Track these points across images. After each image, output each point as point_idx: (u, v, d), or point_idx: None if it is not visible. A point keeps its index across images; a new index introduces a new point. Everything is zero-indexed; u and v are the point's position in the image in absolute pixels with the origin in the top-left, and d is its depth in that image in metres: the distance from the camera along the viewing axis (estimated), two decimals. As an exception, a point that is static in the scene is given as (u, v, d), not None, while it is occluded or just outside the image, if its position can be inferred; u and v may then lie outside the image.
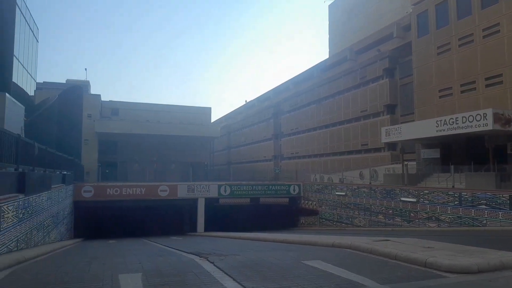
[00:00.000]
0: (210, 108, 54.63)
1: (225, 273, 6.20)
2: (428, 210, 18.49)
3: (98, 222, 26.84)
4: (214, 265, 7.05)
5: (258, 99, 61.31)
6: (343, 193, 25.04)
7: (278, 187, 30.07)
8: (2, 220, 8.78)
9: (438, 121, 20.97)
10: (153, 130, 43.80)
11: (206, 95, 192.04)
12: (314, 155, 41.80)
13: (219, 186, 28.42)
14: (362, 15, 47.31)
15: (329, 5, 55.94)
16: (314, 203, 28.36)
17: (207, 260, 7.80)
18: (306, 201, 29.44)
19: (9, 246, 9.38)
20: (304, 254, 8.32)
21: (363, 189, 23.54)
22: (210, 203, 27.90)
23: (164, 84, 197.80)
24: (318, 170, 37.27)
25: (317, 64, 44.65)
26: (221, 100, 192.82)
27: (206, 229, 26.70)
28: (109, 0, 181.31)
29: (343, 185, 25.97)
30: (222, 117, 74.28)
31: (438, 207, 17.91)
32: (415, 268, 6.12)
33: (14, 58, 20.04)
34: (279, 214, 30.34)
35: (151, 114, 48.14)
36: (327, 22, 56.10)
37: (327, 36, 55.69)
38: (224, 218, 28.06)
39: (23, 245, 10.72)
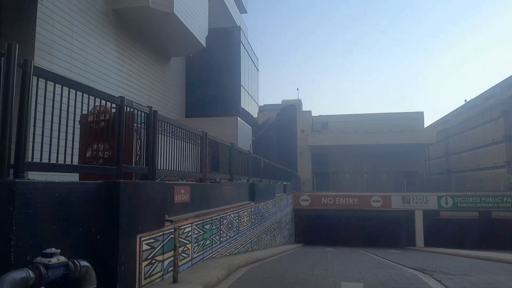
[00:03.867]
0: (422, 113, 50.55)
1: (456, 294, 5.54)
2: None
3: (315, 229, 28.41)
4: (441, 283, 6.40)
5: (481, 96, 53.13)
6: None
7: (516, 199, 24.98)
8: (240, 223, 10.37)
9: None
10: (362, 140, 43.77)
11: (417, 99, 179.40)
12: None
13: (439, 198, 25.77)
14: None
15: None
16: None
17: (433, 277, 7.15)
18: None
19: (245, 246, 10.97)
20: None
21: None
22: (429, 216, 25.56)
23: (371, 93, 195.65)
24: None
25: None
26: (435, 103, 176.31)
27: (425, 244, 24.57)
28: (313, 29, 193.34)
29: None
30: (437, 121, 67.52)
31: None
32: None
33: (242, 87, 23.70)
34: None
35: (358, 125, 48.27)
36: None
37: None
38: (446, 233, 25.20)
39: (255, 246, 12.35)
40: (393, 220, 28.21)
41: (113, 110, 4.61)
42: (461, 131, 54.04)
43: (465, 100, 57.70)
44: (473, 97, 56.02)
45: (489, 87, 50.02)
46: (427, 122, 66.47)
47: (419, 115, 50.82)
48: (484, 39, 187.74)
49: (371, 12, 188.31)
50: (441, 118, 66.15)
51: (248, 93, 26.14)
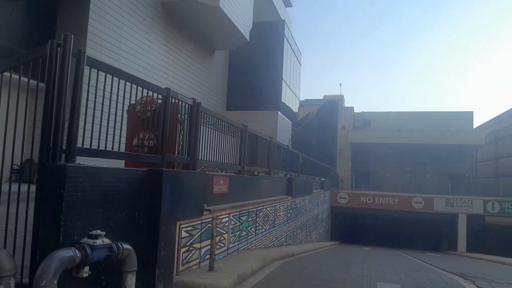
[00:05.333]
0: (471, 113, 48.13)
1: (500, 303, 5.29)
2: None
3: (352, 228, 27.96)
4: (484, 291, 6.13)
5: (538, 97, 49.65)
6: None
7: None
8: (276, 217, 10.41)
9: None
10: (406, 139, 42.26)
11: (467, 98, 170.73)
12: None
13: (485, 202, 24.50)
14: None
15: None
16: None
17: (475, 284, 6.85)
18: None
19: (280, 240, 11.00)
20: None
21: None
22: (473, 221, 24.38)
23: (418, 90, 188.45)
24: None
25: None
26: (486, 103, 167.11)
27: (468, 249, 23.51)
28: (360, 24, 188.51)
29: None
30: (488, 121, 63.91)
31: None
32: None
33: (283, 82, 23.61)
34: None
35: (403, 123, 46.66)
36: None
37: None
38: (491, 239, 23.97)
39: (290, 241, 12.35)
40: (434, 223, 27.21)
41: (159, 101, 4.76)
42: (514, 133, 50.83)
43: (520, 101, 54.06)
44: (529, 97, 52.41)
45: (548, 87, 46.61)
46: (477, 123, 63.11)
47: (468, 115, 48.43)
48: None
49: (426, 8, 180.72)
50: (492, 119, 62.52)
51: (289, 88, 26.01)
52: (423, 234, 27.63)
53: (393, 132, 43.64)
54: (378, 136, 43.16)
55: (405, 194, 27.38)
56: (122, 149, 4.27)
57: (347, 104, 54.39)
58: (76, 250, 3.04)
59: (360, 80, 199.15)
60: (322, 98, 52.56)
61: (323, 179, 21.95)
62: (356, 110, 49.12)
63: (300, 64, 30.17)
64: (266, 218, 9.30)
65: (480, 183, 50.37)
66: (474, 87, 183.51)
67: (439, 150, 42.94)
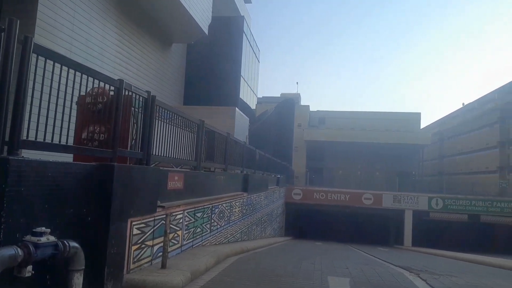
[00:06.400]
0: (419, 114, 50.72)
1: (441, 294, 5.63)
2: None
3: (305, 223, 28.63)
4: (427, 283, 6.50)
5: (478, 101, 53.25)
6: None
7: (506, 205, 25.27)
8: (231, 213, 10.42)
9: None
10: (358, 137, 43.85)
11: (415, 99, 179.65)
12: (558, 168, 33.36)
13: (430, 199, 25.99)
14: None
15: None
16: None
17: (418, 276, 7.25)
18: (547, 225, 23.72)
19: (235, 236, 11.04)
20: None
21: None
22: (419, 216, 25.80)
23: (370, 91, 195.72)
24: None
25: None
26: (432, 105, 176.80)
27: (413, 244, 24.85)
28: (314, 23, 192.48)
29: None
30: (434, 122, 67.66)
31: None
32: None
33: (241, 78, 23.61)
34: (505, 236, 25.45)
35: (355, 122, 48.34)
36: None
37: None
38: (434, 233, 25.50)
39: (245, 237, 12.42)
40: (383, 219, 28.47)
41: (111, 93, 4.59)
42: (457, 134, 54.27)
43: (463, 104, 57.81)
44: (471, 101, 56.06)
45: (488, 92, 50.14)
46: (424, 123, 66.54)
47: (416, 116, 51.00)
48: (488, 42, 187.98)
49: (376, 11, 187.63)
50: (437, 120, 66.30)
51: (248, 84, 26.06)
52: (372, 229, 28.83)
53: (346, 131, 45.10)
54: (332, 134, 44.43)
55: (356, 191, 28.41)
56: (71, 142, 4.07)
57: (303, 102, 55.38)
58: (18, 249, 2.88)
59: (316, 79, 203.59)
60: (279, 96, 53.14)
61: (278, 176, 22.24)
62: (312, 109, 50.22)
63: (258, 61, 30.31)
64: (221, 215, 9.28)
65: (426, 181, 53.38)
66: (422, 90, 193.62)
67: (388, 148, 44.93)
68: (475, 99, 53.46)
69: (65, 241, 3.32)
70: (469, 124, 51.20)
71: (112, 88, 4.55)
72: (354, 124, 47.94)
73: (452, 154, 54.69)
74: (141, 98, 5.20)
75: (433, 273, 8.01)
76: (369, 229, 28.86)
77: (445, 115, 64.22)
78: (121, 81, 4.59)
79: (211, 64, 22.39)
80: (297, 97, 51.85)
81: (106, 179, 4.20)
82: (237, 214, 11.07)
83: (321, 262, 9.04)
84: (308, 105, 49.40)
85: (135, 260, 4.91)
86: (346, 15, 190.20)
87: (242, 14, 26.40)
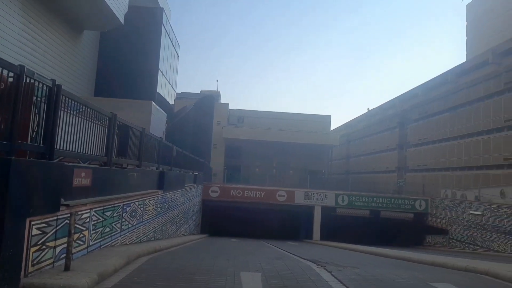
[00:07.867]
0: (329, 116, 54.04)
1: (343, 284, 6.07)
2: None
3: (222, 220, 28.80)
4: (332, 274, 6.96)
5: (381, 107, 58.40)
6: (480, 213, 22.20)
7: (402, 201, 28.15)
8: (144, 212, 10.07)
9: None
10: (274, 137, 45.36)
11: (327, 102, 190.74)
12: (445, 169, 37.95)
13: (337, 195, 27.90)
14: (505, 15, 41.83)
15: (467, 5, 50.55)
16: (444, 221, 25.75)
17: (325, 269, 7.73)
18: (434, 219, 26.90)
19: (148, 236, 10.70)
20: (431, 276, 7.65)
21: (505, 210, 20.52)
22: (327, 212, 27.56)
23: (287, 92, 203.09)
24: (449, 185, 33.74)
25: (452, 68, 40.52)
26: (341, 108, 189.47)
27: (321, 238, 26.46)
28: (236, 21, 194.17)
29: (479, 204, 23.04)
30: (342, 125, 72.66)
31: None
32: None
33: (159, 71, 22.91)
34: (401, 230, 28.37)
35: (272, 122, 49.94)
36: (459, 25, 50.90)
37: (461, 39, 50.62)
38: (340, 228, 27.44)
39: (159, 236, 12.11)
40: (295, 214, 29.83)
41: (10, 80, 4.15)
42: (362, 136, 59.01)
43: (368, 109, 63.04)
44: (375, 106, 61.16)
45: (391, 99, 55.23)
46: (334, 125, 70.99)
47: (327, 118, 54.23)
48: (397, 53, 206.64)
49: (293, 9, 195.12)
50: (346, 123, 71.34)
51: (166, 78, 25.38)
52: (285, 224, 30.06)
53: (263, 130, 46.40)
54: (250, 133, 45.36)
55: (270, 188, 29.35)
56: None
57: (223, 100, 55.58)
58: None
59: (237, 78, 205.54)
60: (199, 92, 52.64)
61: (196, 173, 22.03)
62: (231, 107, 50.65)
63: (178, 55, 29.70)
64: (133, 213, 8.92)
65: (334, 179, 56.99)
66: (334, 94, 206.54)
67: (301, 148, 47.22)
68: (378, 105, 58.52)
69: None
70: (372, 128, 55.99)
71: (11, 74, 4.11)
72: (271, 124, 49.51)
73: (357, 155, 59.34)
74: (45, 86, 4.78)
75: (338, 265, 8.61)
76: (282, 224, 30.04)
77: (353, 118, 69.33)
78: (22, 66, 4.17)
79: (127, 55, 21.39)
80: (217, 94, 51.87)
81: (1, 175, 3.79)
82: (150, 213, 10.73)
83: (235, 258, 9.17)
84: (228, 103, 49.77)
85: (34, 262, 4.51)
86: (266, 16, 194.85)
87: (161, 6, 25.62)
